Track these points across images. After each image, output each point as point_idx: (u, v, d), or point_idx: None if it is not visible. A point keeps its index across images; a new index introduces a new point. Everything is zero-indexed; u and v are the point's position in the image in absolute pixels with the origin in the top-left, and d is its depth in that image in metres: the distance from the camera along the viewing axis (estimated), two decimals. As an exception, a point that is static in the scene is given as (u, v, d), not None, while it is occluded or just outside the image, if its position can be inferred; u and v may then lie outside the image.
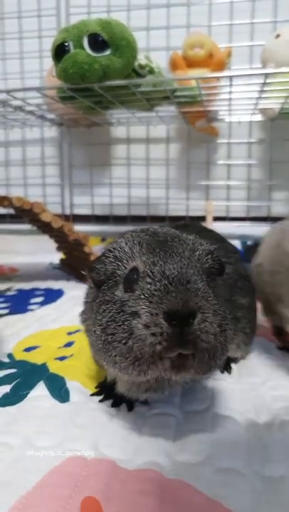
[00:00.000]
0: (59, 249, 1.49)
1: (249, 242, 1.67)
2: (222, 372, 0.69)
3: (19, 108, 1.39)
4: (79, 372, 0.66)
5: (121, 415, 0.56)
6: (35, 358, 0.73)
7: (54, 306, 1.08)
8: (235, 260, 0.72)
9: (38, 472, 0.44)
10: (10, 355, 0.74)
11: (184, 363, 0.42)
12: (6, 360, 0.72)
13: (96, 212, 1.87)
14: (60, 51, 1.09)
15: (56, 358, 0.72)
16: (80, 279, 1.32)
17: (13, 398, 0.58)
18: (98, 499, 0.40)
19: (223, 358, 0.46)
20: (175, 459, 0.47)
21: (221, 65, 1.38)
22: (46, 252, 1.61)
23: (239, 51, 1.55)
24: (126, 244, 0.50)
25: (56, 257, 1.56)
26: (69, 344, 0.79)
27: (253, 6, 1.58)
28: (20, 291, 1.23)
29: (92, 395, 0.61)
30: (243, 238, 1.67)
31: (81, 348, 0.74)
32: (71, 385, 0.62)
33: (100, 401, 0.59)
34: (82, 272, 1.12)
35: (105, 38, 1.06)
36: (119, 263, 0.49)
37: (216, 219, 1.68)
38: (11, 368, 0.68)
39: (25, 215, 1.29)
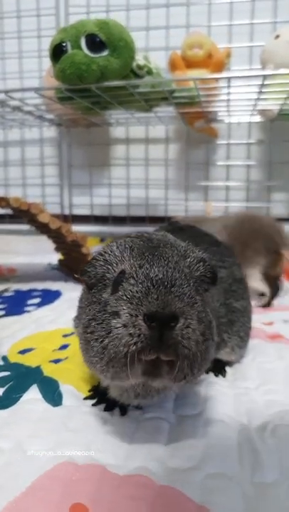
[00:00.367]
0: (57, 249, 1.48)
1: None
2: (216, 375, 0.69)
3: (17, 108, 1.38)
4: (73, 375, 0.66)
5: (114, 420, 0.56)
6: (30, 360, 0.72)
7: (51, 308, 1.08)
8: (230, 264, 0.71)
9: (28, 476, 0.44)
10: (4, 358, 0.74)
11: (160, 369, 0.42)
12: (1, 362, 0.72)
13: (95, 212, 1.87)
14: (57, 51, 1.09)
15: (50, 361, 0.72)
16: (78, 280, 1.32)
17: (5, 402, 0.58)
18: (87, 505, 0.40)
19: (203, 368, 0.45)
20: (166, 465, 0.47)
21: (220, 66, 1.37)
22: (45, 253, 1.61)
23: (238, 52, 1.55)
24: (117, 248, 0.50)
25: (55, 257, 1.56)
26: (64, 347, 0.79)
27: (252, 7, 1.57)
28: (17, 292, 1.23)
29: (86, 398, 0.61)
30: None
31: (76, 350, 0.74)
32: (64, 388, 0.62)
33: (93, 405, 0.59)
34: (76, 276, 1.12)
35: (103, 39, 1.06)
36: (109, 266, 0.49)
37: (215, 220, 1.68)
38: (4, 370, 0.68)
39: (24, 215, 1.29)
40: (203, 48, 1.35)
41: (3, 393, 0.60)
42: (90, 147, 1.84)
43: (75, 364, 0.69)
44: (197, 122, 1.53)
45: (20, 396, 0.60)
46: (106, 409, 0.58)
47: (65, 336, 0.85)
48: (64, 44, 1.08)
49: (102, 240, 1.74)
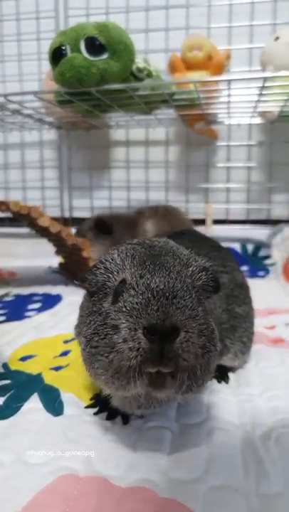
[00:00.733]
0: (58, 253, 1.48)
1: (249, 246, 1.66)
2: (219, 382, 0.68)
3: (17, 111, 1.38)
4: (74, 383, 0.65)
5: (116, 429, 0.55)
6: (31, 367, 0.72)
7: (52, 313, 1.07)
8: (231, 269, 0.71)
9: (29, 491, 0.43)
10: (5, 365, 0.73)
11: (163, 380, 0.41)
12: (1, 370, 0.71)
13: (95, 215, 1.86)
14: (57, 55, 1.09)
15: (51, 368, 0.71)
16: (78, 285, 1.31)
17: (5, 412, 0.57)
18: (89, 520, 0.40)
19: (205, 379, 0.45)
20: (169, 476, 0.46)
21: (220, 68, 1.37)
22: (45, 256, 1.60)
23: (238, 53, 1.54)
24: (118, 255, 0.49)
25: (55, 261, 1.56)
26: (65, 353, 0.78)
27: (252, 8, 1.57)
28: (18, 296, 1.22)
29: (87, 407, 0.60)
30: (242, 241, 1.66)
31: (77, 357, 0.73)
32: (66, 397, 0.62)
33: (95, 414, 0.58)
34: (75, 282, 1.12)
35: (102, 42, 1.05)
36: (110, 275, 0.48)
37: (216, 222, 1.67)
38: (5, 378, 0.67)
39: (24, 219, 1.28)
40: (203, 50, 1.35)
41: (3, 402, 0.60)
42: (89, 150, 1.83)
43: (76, 371, 0.69)
44: (197, 124, 1.53)
45: (21, 405, 0.59)
46: (108, 418, 0.57)
47: (65, 342, 0.85)
48: (63, 47, 1.07)
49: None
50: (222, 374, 0.69)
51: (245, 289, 0.73)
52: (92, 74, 1.05)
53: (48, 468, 0.46)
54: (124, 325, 0.41)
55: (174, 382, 0.41)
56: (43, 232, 1.33)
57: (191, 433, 0.54)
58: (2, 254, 1.75)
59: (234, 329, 0.67)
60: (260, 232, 1.65)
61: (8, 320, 1.00)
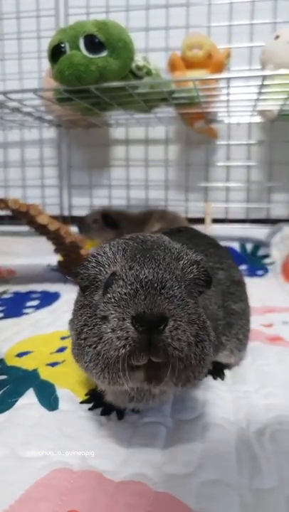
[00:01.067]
0: (57, 251, 1.48)
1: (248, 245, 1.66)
2: (215, 378, 0.68)
3: (16, 109, 1.38)
4: (70, 378, 0.65)
5: (111, 424, 0.55)
6: (27, 363, 0.72)
7: (50, 310, 1.07)
8: (228, 266, 0.71)
9: (22, 484, 0.43)
10: (2, 361, 0.73)
11: (157, 372, 0.41)
12: (-2, 365, 0.72)
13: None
14: (56, 52, 1.09)
15: (48, 364, 0.71)
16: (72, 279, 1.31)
17: (1, 406, 0.57)
18: (82, 513, 0.40)
19: (202, 370, 0.44)
20: (163, 471, 0.46)
21: (220, 66, 1.37)
22: (45, 254, 1.60)
23: (238, 52, 1.54)
24: (110, 249, 0.49)
25: (54, 259, 1.55)
26: (61, 349, 0.78)
27: (252, 7, 1.57)
28: (16, 294, 1.22)
29: (82, 402, 0.60)
30: (242, 240, 1.66)
31: (73, 353, 0.73)
32: (61, 392, 0.62)
33: (90, 409, 0.58)
34: (67, 278, 1.12)
35: (102, 40, 1.05)
36: (101, 268, 0.48)
37: (215, 221, 1.67)
38: (1, 374, 0.67)
39: (23, 217, 1.28)
40: (203, 49, 1.35)
41: (-1, 397, 0.60)
42: (89, 148, 1.83)
43: (72, 367, 0.68)
44: (197, 123, 1.52)
45: (16, 400, 0.59)
46: (103, 414, 0.57)
47: (63, 338, 0.85)
48: (63, 45, 1.07)
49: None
50: (218, 371, 0.69)
51: (241, 286, 0.73)
52: (91, 71, 1.05)
53: (42, 463, 0.46)
54: (113, 315, 0.41)
55: (170, 374, 0.41)
56: (41, 230, 1.33)
57: (185, 429, 0.54)
58: (2, 253, 1.75)
59: (230, 326, 0.67)
60: (259, 232, 1.65)
61: (5, 317, 1.00)
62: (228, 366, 0.72)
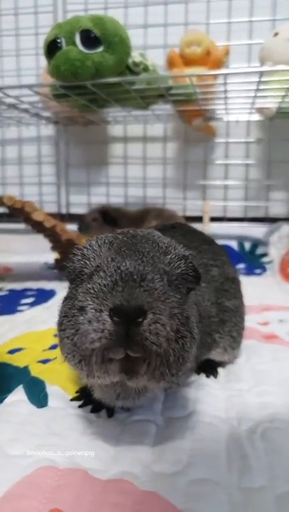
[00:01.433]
0: (53, 249, 1.47)
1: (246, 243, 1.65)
2: (208, 376, 0.67)
3: (13, 106, 1.37)
4: (61, 376, 0.65)
5: (100, 422, 0.54)
6: (18, 360, 0.71)
7: (45, 307, 1.07)
8: (222, 263, 0.70)
9: (6, 482, 0.42)
10: (-7, 358, 0.73)
11: (133, 367, 0.40)
12: (-12, 362, 0.71)
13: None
14: (52, 48, 1.08)
15: (39, 361, 0.70)
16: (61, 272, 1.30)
17: (-11, 403, 0.56)
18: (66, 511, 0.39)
19: (180, 367, 0.43)
20: (151, 469, 0.45)
21: (219, 64, 1.36)
22: (42, 252, 1.60)
23: (237, 49, 1.53)
24: (96, 242, 0.48)
25: (51, 256, 1.55)
26: (54, 347, 0.77)
27: (251, 4, 1.56)
28: (11, 291, 1.22)
29: (72, 400, 0.59)
30: (240, 239, 1.65)
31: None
32: (51, 389, 0.61)
33: (80, 406, 0.57)
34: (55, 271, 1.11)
35: (98, 35, 1.04)
36: (87, 261, 0.47)
37: (213, 219, 1.66)
38: (-9, 370, 0.67)
39: (19, 214, 1.27)
40: (201, 46, 1.34)
41: (-13, 394, 0.59)
42: (87, 145, 1.83)
43: (64, 364, 0.67)
44: (195, 120, 1.52)
45: (5, 397, 0.58)
46: (92, 411, 0.56)
47: (56, 335, 0.84)
48: (59, 40, 1.06)
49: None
50: (211, 368, 0.68)
51: (236, 283, 0.72)
52: (86, 67, 1.04)
53: (27, 460, 0.46)
54: (90, 306, 0.40)
55: (146, 369, 0.40)
56: (38, 227, 1.32)
57: (175, 426, 0.53)
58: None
59: (223, 323, 0.66)
60: (257, 230, 1.64)
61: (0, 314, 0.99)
62: (222, 364, 0.71)
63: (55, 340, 0.81)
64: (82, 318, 0.41)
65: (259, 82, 1.15)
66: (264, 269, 1.55)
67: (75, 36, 1.05)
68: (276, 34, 1.30)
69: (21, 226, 1.57)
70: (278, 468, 0.45)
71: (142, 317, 0.39)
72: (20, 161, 1.92)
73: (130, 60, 1.13)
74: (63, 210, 1.88)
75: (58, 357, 0.72)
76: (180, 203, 1.76)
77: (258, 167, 1.70)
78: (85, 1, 1.69)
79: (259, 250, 1.63)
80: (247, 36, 1.57)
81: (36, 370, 0.67)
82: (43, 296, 1.16)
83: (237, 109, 1.50)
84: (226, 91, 1.24)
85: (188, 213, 1.73)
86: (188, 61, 1.37)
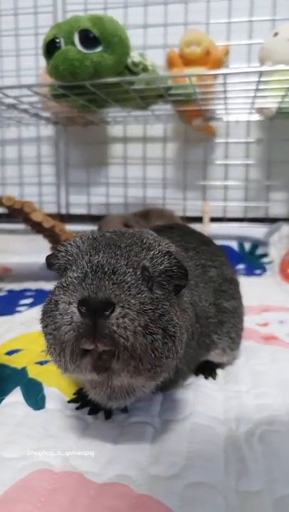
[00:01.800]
0: (53, 249, 1.46)
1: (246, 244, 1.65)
2: (206, 378, 0.67)
3: (12, 106, 1.37)
4: (58, 377, 0.64)
5: (97, 424, 0.54)
6: (16, 361, 0.71)
7: (43, 308, 1.06)
8: (220, 263, 0.69)
9: (0, 485, 0.42)
10: (-10, 359, 0.72)
11: (104, 363, 0.40)
12: (-14, 364, 0.70)
13: (92, 212, 1.85)
14: (51, 47, 1.07)
15: (37, 363, 0.70)
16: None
17: (-15, 405, 0.56)
18: (61, 516, 0.38)
19: (154, 362, 0.41)
20: (147, 472, 0.45)
21: (218, 64, 1.36)
22: (41, 252, 1.58)
23: (237, 49, 1.52)
24: (80, 239, 0.48)
25: (50, 257, 1.54)
26: (52, 348, 0.77)
27: (251, 4, 1.55)
28: (10, 292, 1.21)
29: (70, 401, 0.59)
30: (240, 239, 1.64)
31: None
32: (48, 391, 0.60)
33: (77, 408, 0.57)
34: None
35: (96, 35, 1.04)
36: (70, 257, 0.47)
37: (213, 220, 1.66)
38: (-12, 372, 0.66)
39: (18, 214, 1.27)
40: (201, 46, 1.34)
41: (-16, 396, 0.59)
42: (87, 146, 1.82)
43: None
44: (195, 120, 1.51)
45: (2, 399, 0.58)
46: (90, 413, 0.56)
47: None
48: (57, 40, 1.06)
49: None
50: (209, 370, 0.68)
51: (234, 284, 0.71)
52: (85, 67, 1.04)
53: (22, 463, 0.45)
54: (62, 299, 0.41)
55: (116, 363, 0.40)
56: (37, 227, 1.32)
57: (173, 429, 0.53)
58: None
59: (222, 324, 0.66)
60: (257, 230, 1.63)
61: (-2, 315, 0.99)
62: (221, 365, 0.71)
63: (54, 342, 0.81)
64: (55, 312, 0.41)
65: (259, 82, 1.14)
66: (264, 270, 1.55)
67: (74, 36, 1.04)
68: (276, 34, 1.30)
69: (21, 226, 1.56)
70: (276, 472, 0.45)
71: (109, 310, 0.39)
72: (19, 161, 1.91)
73: (129, 60, 1.13)
74: (63, 211, 1.88)
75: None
76: (180, 204, 1.75)
77: (258, 167, 1.70)
78: (85, 1, 1.68)
79: (259, 251, 1.62)
80: (247, 36, 1.56)
81: (34, 372, 0.67)
82: (42, 297, 1.14)
83: (237, 109, 1.50)
84: (225, 91, 1.24)
85: (188, 214, 1.73)
86: (187, 61, 1.36)
